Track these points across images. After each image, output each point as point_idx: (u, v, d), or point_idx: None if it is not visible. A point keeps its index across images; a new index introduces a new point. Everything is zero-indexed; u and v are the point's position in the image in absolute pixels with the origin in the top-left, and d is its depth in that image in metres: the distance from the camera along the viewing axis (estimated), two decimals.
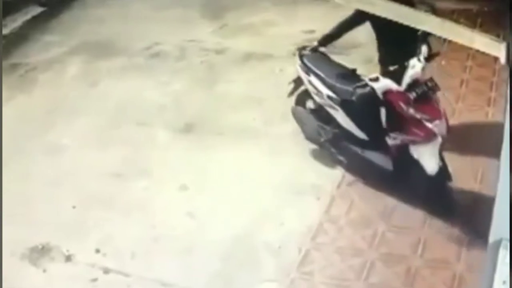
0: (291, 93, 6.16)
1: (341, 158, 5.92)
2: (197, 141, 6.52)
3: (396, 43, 5.24)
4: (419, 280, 4.86)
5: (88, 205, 5.77)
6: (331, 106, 5.69)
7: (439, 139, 5.16)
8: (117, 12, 9.29)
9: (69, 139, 6.64)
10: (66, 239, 5.40)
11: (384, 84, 5.17)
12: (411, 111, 5.09)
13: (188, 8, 9.23)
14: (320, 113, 5.94)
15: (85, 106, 7.20)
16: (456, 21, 5.44)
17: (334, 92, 5.62)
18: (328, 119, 5.86)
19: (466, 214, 5.36)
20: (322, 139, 5.96)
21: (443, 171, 5.26)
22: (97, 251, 5.29)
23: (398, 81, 5.15)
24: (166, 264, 5.15)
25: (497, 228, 3.15)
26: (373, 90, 5.24)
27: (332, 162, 6.02)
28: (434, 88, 5.13)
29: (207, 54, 8.08)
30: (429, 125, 5.07)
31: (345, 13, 6.09)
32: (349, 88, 5.47)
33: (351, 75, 5.68)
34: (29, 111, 7.19)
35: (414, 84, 5.10)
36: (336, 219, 5.45)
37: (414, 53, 5.17)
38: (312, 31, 8.00)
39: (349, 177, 5.89)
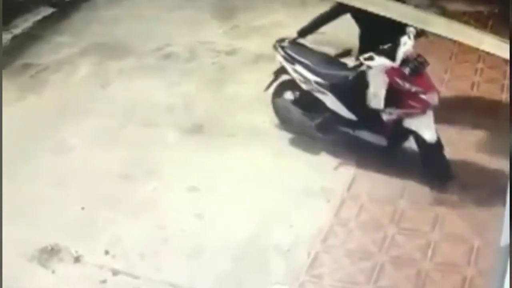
0: (269, 86, 6.37)
1: (330, 141, 6.17)
2: (206, 142, 6.52)
3: (378, 31, 5.49)
4: (429, 284, 4.84)
5: (97, 206, 5.77)
6: (319, 91, 5.97)
7: (432, 110, 5.52)
8: (128, 13, 9.31)
9: (79, 140, 6.66)
10: (75, 240, 5.41)
11: (380, 61, 5.46)
12: (407, 85, 5.42)
13: (199, 9, 9.24)
14: (303, 102, 6.22)
15: (95, 107, 7.22)
16: (467, 23, 5.45)
17: (321, 77, 5.91)
18: (312, 107, 6.13)
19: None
20: (309, 126, 6.17)
21: (438, 140, 5.61)
22: (106, 252, 5.30)
23: (391, 58, 5.44)
24: (175, 266, 5.14)
25: (508, 232, 3.13)
26: (364, 71, 5.60)
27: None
28: (424, 63, 5.47)
29: (217, 55, 8.08)
30: (423, 97, 5.42)
31: None
32: (337, 73, 5.87)
33: (334, 61, 6.07)
34: (39, 111, 7.21)
35: (406, 60, 5.42)
36: (346, 222, 5.43)
37: (395, 39, 5.45)
38: (322, 33, 7.97)
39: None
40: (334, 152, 6.17)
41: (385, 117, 5.70)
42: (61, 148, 6.53)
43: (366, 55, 5.51)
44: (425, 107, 5.46)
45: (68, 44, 8.57)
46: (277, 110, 6.53)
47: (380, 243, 5.19)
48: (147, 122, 6.86)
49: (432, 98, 5.47)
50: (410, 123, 5.58)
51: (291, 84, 6.31)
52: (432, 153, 5.63)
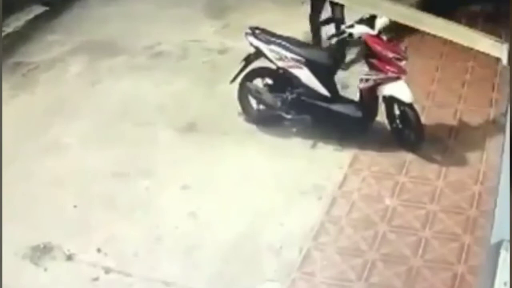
0: (238, 74, 6.57)
1: (302, 121, 6.45)
2: (199, 141, 6.54)
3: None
4: (420, 281, 4.90)
5: (90, 205, 5.79)
6: (296, 67, 6.30)
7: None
8: (120, 12, 9.29)
9: (71, 138, 6.65)
10: (67, 239, 5.41)
11: (361, 29, 6.05)
12: (385, 51, 5.96)
13: (191, 7, 9.22)
14: (273, 87, 6.54)
15: (87, 105, 7.21)
16: (459, 22, 5.49)
17: (297, 54, 6.29)
18: (283, 91, 6.43)
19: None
20: (281, 106, 6.42)
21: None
22: (99, 250, 5.31)
23: (370, 27, 6.06)
24: (168, 264, 5.17)
25: (498, 230, 3.16)
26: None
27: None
28: (394, 37, 6.28)
29: (209, 54, 8.08)
30: (400, 63, 5.98)
31: (348, 13, 6.37)
32: (311, 50, 6.48)
33: (306, 43, 6.73)
34: (32, 110, 7.20)
35: (380, 31, 6.12)
36: (337, 220, 5.47)
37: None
38: None
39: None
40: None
41: (361, 85, 6.10)
42: (53, 147, 6.52)
43: (348, 24, 6.14)
44: (400, 72, 5.96)
45: (59, 42, 8.54)
46: (244, 96, 6.69)
47: (371, 241, 5.23)
48: (140, 121, 6.86)
49: (406, 66, 6.04)
50: (386, 89, 6.01)
51: (261, 72, 6.60)
52: (409, 112, 5.99)
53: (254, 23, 6.67)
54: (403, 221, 5.41)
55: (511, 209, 2.97)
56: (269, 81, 6.58)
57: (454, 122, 6.56)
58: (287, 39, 6.44)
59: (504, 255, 3.01)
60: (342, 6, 6.91)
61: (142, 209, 5.73)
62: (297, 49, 6.31)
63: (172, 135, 6.65)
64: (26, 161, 6.35)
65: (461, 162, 6.01)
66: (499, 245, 3.06)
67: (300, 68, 6.26)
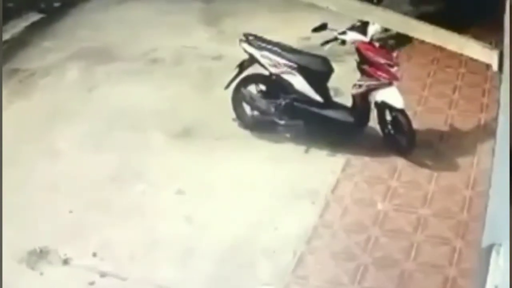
0: (232, 80, 6.62)
1: (295, 127, 6.51)
2: (194, 146, 6.58)
3: None
4: (412, 284, 4.94)
5: (86, 209, 5.82)
6: (289, 73, 6.39)
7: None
8: (115, 18, 9.33)
9: (67, 144, 6.69)
10: (63, 243, 5.45)
11: (353, 35, 6.12)
12: (377, 58, 6.04)
13: (186, 14, 9.28)
14: (267, 94, 6.62)
15: (83, 111, 7.25)
16: (449, 29, 5.53)
17: (289, 60, 6.37)
18: (276, 97, 6.50)
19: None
20: (274, 112, 6.49)
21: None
22: (94, 255, 5.35)
23: (362, 34, 6.11)
24: (163, 268, 5.21)
25: (489, 233, 3.20)
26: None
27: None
28: (388, 42, 6.16)
29: (204, 60, 8.13)
30: (391, 69, 6.06)
31: (340, 19, 6.38)
32: (304, 56, 6.44)
33: (298, 50, 6.65)
34: (28, 116, 7.23)
35: (372, 37, 6.14)
36: (330, 224, 5.52)
37: None
38: (307, 38, 8.05)
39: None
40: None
41: (353, 91, 6.18)
42: (50, 152, 6.56)
43: (340, 30, 6.13)
44: (392, 78, 6.06)
45: (56, 49, 8.58)
46: (238, 102, 6.74)
47: (364, 245, 5.28)
48: (135, 126, 6.90)
49: (398, 72, 6.21)
50: (377, 95, 6.09)
51: (255, 78, 6.65)
52: (400, 118, 6.06)
53: (249, 30, 6.73)
54: (395, 225, 5.47)
55: (511, 213, 3.00)
56: (262, 87, 6.64)
57: (445, 128, 6.63)
58: (281, 45, 6.51)
59: (495, 258, 3.06)
60: None
61: (138, 213, 5.76)
62: (290, 56, 6.38)
63: (167, 140, 6.68)
64: (22, 167, 6.38)
65: (453, 167, 6.08)
66: (490, 248, 3.10)
67: (293, 74, 6.34)
